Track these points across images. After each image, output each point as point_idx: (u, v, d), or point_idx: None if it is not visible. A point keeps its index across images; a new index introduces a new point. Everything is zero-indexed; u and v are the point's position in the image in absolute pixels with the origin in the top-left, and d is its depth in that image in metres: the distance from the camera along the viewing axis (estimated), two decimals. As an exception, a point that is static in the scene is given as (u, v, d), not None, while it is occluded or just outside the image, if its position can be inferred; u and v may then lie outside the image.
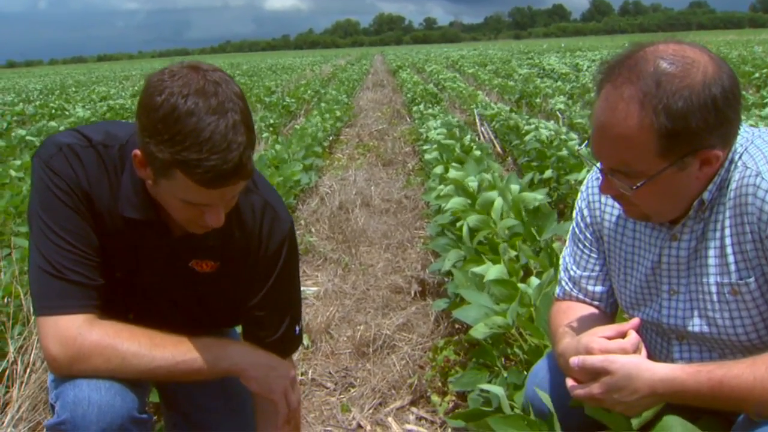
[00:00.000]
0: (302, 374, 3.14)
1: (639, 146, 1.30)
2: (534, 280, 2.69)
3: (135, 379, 1.57)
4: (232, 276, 1.75)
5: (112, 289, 1.65)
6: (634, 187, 1.35)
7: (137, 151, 1.46)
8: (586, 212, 1.67)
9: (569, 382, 1.43)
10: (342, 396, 3.00)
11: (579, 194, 1.72)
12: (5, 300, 2.96)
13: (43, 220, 1.56)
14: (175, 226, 1.65)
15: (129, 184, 1.59)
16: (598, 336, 1.41)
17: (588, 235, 1.68)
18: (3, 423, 2.53)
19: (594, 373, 1.37)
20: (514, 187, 3.60)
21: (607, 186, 1.42)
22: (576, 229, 1.71)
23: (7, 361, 2.72)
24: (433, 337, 3.42)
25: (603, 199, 1.62)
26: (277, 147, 7.39)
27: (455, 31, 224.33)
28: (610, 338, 1.41)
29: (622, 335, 1.42)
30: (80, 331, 1.52)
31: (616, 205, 1.56)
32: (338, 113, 11.41)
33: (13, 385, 2.65)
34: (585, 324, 1.59)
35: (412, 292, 4.00)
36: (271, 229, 1.72)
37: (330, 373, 3.18)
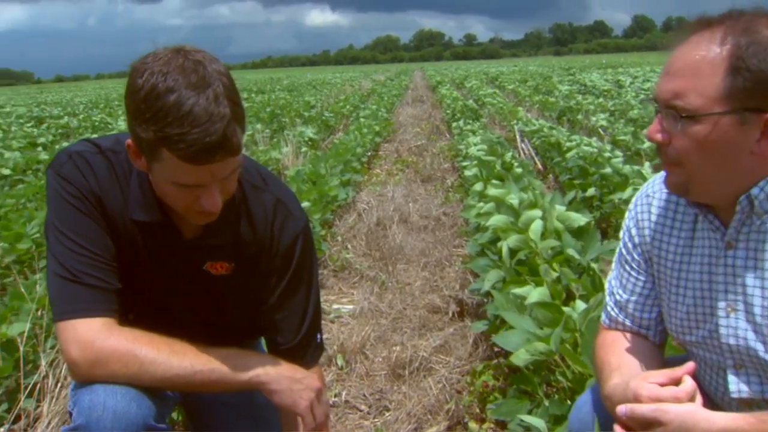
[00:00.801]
0: (335, 396, 3.06)
1: (704, 76, 1.21)
2: (579, 304, 2.57)
3: (153, 386, 1.54)
4: (247, 277, 1.71)
5: (130, 296, 1.62)
6: (683, 122, 1.24)
7: (129, 141, 1.45)
8: (634, 231, 1.55)
9: (617, 429, 1.31)
10: (376, 420, 2.91)
11: (627, 213, 1.60)
12: (39, 312, 2.94)
13: (58, 227, 1.55)
14: (187, 228, 1.63)
15: (137, 188, 1.58)
16: (648, 381, 1.29)
17: (635, 257, 1.56)
18: (34, 437, 2.51)
19: (644, 423, 1.25)
20: (559, 207, 3.49)
21: (655, 128, 1.30)
22: (623, 251, 1.59)
23: (39, 374, 2.70)
24: (471, 360, 3.31)
25: (652, 217, 1.51)
26: (315, 162, 7.35)
27: (495, 47, 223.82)
28: (662, 385, 1.28)
29: (675, 381, 1.29)
30: (98, 335, 1.50)
31: (667, 221, 1.46)
32: (377, 128, 11.36)
33: (44, 399, 2.62)
34: (633, 360, 1.48)
35: (450, 313, 3.90)
36: (283, 227, 1.69)
37: (364, 395, 3.09)
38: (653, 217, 1.50)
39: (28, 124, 17.19)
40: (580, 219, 3.35)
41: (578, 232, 3.23)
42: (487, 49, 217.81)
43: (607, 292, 1.66)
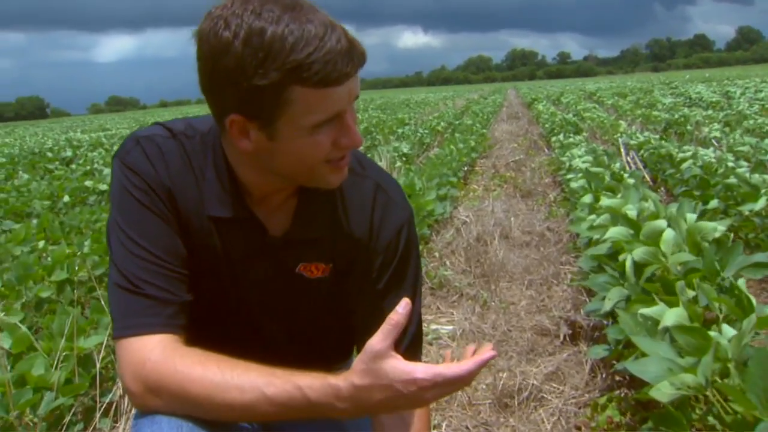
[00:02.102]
0: (435, 427, 2.72)
1: None
2: (726, 329, 2.16)
3: (221, 418, 1.23)
4: (345, 280, 1.43)
5: (203, 309, 1.35)
6: None
7: (234, 116, 1.18)
8: None
9: None
10: (482, 457, 2.56)
11: None
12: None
13: (120, 227, 1.29)
14: (274, 224, 1.35)
15: (214, 178, 1.32)
16: None
17: None
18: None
19: None
20: (689, 216, 3.05)
21: None
22: None
23: (116, 393, 2.52)
24: (588, 390, 2.92)
25: None
26: (410, 175, 7.07)
27: (589, 65, 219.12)
28: None
29: None
30: (151, 356, 1.22)
31: None
32: (473, 143, 11.02)
33: (119, 420, 2.43)
34: None
35: (561, 336, 3.50)
36: (384, 217, 1.40)
37: (467, 427, 2.75)
38: None
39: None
40: (715, 229, 2.92)
41: (714, 245, 2.79)
42: (582, 67, 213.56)
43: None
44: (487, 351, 1.20)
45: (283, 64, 1.10)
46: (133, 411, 1.42)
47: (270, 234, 1.37)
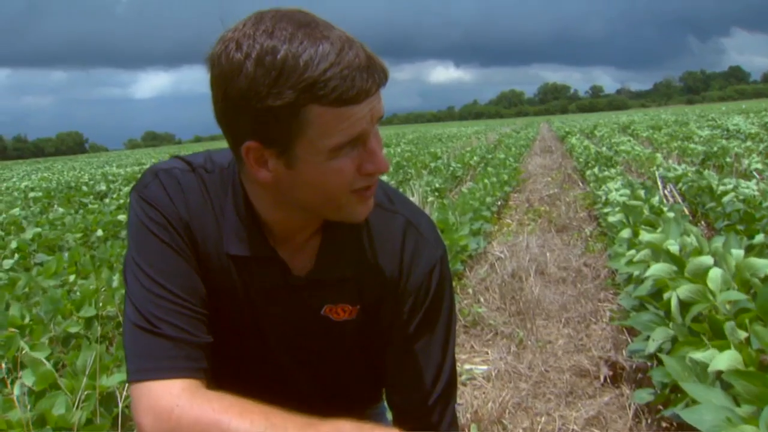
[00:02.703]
0: (471, 474, 2.59)
1: None
2: (785, 374, 2.01)
3: None
4: (373, 322, 1.33)
5: (223, 351, 1.25)
6: None
7: (250, 143, 1.10)
8: None
9: None
10: (521, 508, 2.42)
11: None
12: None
13: (137, 263, 1.21)
14: (297, 262, 1.26)
15: (233, 215, 1.24)
16: None
17: None
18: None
19: None
20: (737, 252, 2.91)
21: None
22: None
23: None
24: (633, 437, 2.76)
25: None
26: (443, 210, 6.98)
27: (623, 98, 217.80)
28: None
29: None
30: (178, 402, 1.12)
31: None
32: (506, 177, 10.90)
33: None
34: None
35: (602, 377, 3.35)
36: (415, 256, 1.30)
37: (505, 475, 2.61)
38: None
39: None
40: (766, 266, 2.76)
41: (764, 283, 2.65)
42: (614, 100, 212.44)
43: None
44: None
45: (297, 82, 1.03)
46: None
47: (293, 274, 1.28)
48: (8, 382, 2.99)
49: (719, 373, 2.18)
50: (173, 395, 1.14)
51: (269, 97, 1.03)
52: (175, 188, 1.25)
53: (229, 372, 1.29)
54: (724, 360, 2.17)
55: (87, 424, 2.36)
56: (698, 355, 2.28)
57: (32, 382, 2.59)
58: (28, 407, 2.37)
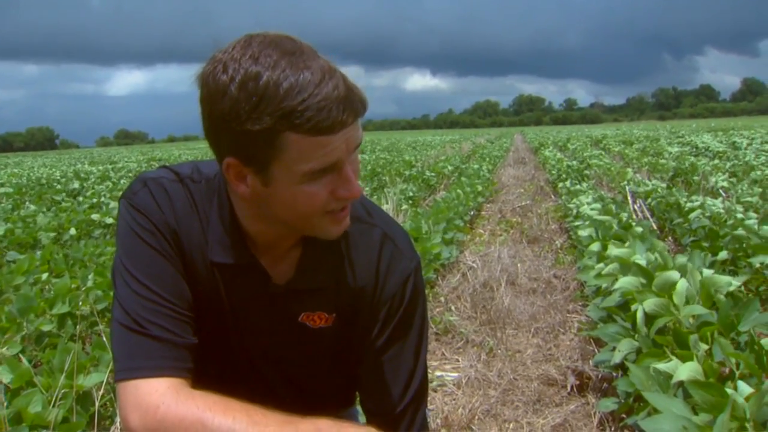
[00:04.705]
0: (440, 478, 2.66)
1: None
2: (742, 386, 2.10)
3: None
4: (348, 330, 1.40)
5: (206, 353, 1.31)
6: None
7: (230, 159, 1.16)
8: None
9: None
10: None
11: None
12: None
13: (126, 267, 1.26)
14: (277, 272, 1.32)
15: (218, 224, 1.30)
16: None
17: None
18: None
19: None
20: (707, 272, 3.01)
21: None
22: None
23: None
24: (597, 444, 2.85)
25: None
26: (417, 218, 7.05)
27: (596, 112, 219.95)
28: None
29: None
30: (164, 399, 1.18)
31: None
32: (479, 187, 11.01)
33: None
34: None
35: (569, 387, 3.44)
36: (390, 267, 1.37)
37: (472, 479, 2.68)
38: None
39: (136, 179, 17.76)
40: (729, 283, 2.87)
41: (729, 300, 2.75)
42: (588, 114, 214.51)
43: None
44: None
45: (275, 110, 1.08)
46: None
47: (273, 282, 1.34)
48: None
49: (680, 383, 2.27)
50: (159, 393, 1.19)
51: (249, 121, 1.09)
52: (163, 197, 1.30)
53: (212, 372, 1.34)
54: (685, 370, 2.26)
55: (63, 422, 2.38)
56: (662, 366, 2.37)
57: (9, 379, 2.61)
58: (5, 404, 2.39)
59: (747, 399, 1.97)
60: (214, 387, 1.24)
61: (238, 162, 1.16)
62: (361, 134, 1.18)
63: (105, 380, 2.59)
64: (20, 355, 3.10)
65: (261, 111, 1.08)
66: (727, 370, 2.48)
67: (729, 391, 2.01)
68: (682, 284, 2.78)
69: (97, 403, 2.50)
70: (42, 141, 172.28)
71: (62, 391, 2.51)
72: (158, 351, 1.23)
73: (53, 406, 2.43)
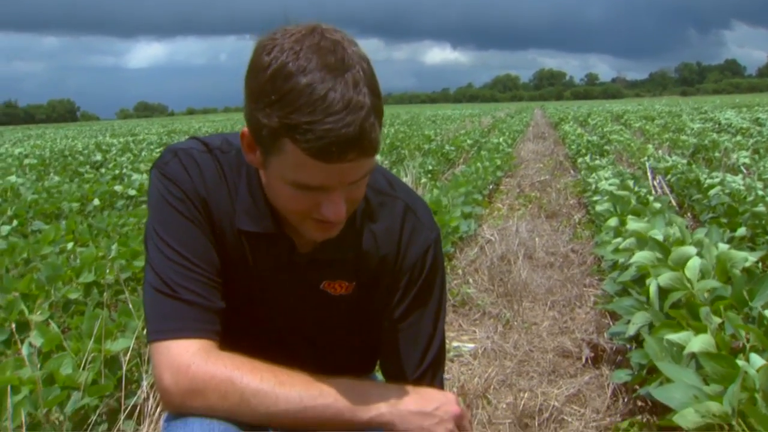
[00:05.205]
0: (455, 445, 2.72)
1: None
2: (754, 358, 2.14)
3: (255, 422, 1.28)
4: (369, 297, 1.46)
5: (233, 318, 1.38)
6: None
7: (245, 129, 1.22)
8: None
9: None
10: (501, 477, 2.56)
11: None
12: (144, 331, 2.79)
13: (158, 234, 1.33)
14: (302, 241, 1.37)
15: (246, 194, 1.35)
16: None
17: None
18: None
19: None
20: (722, 246, 3.04)
21: None
22: None
23: (140, 396, 2.55)
24: (609, 414, 2.91)
25: None
26: (435, 192, 7.09)
27: (617, 87, 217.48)
28: None
29: None
30: (195, 359, 1.26)
31: None
32: (499, 162, 11.01)
33: (143, 422, 2.46)
34: None
35: (584, 358, 3.49)
36: (412, 238, 1.42)
37: (487, 446, 2.75)
38: None
39: (157, 150, 17.90)
40: (746, 258, 2.90)
41: (744, 275, 2.78)
42: (609, 89, 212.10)
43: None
44: None
45: (285, 116, 1.11)
46: (163, 414, 1.45)
47: (298, 251, 1.40)
48: (12, 344, 3.10)
49: (693, 355, 2.32)
50: (190, 353, 1.26)
51: (262, 110, 1.13)
52: (194, 166, 1.36)
53: (239, 336, 1.40)
54: (698, 342, 2.30)
55: (93, 384, 2.48)
56: (675, 337, 2.41)
57: (40, 343, 2.71)
58: (38, 366, 2.48)
59: (758, 371, 2.02)
60: (240, 350, 1.31)
61: (250, 136, 1.21)
62: (370, 163, 1.19)
63: (131, 346, 2.68)
64: (50, 321, 3.19)
65: (274, 109, 1.12)
66: (740, 344, 2.52)
67: (740, 362, 2.05)
68: (695, 260, 2.81)
69: (124, 367, 2.59)
70: (63, 113, 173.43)
71: (91, 354, 2.60)
72: (189, 314, 1.30)
73: (83, 369, 2.52)
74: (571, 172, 11.38)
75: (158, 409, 2.44)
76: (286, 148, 1.14)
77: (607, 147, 13.73)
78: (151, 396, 2.51)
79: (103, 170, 12.86)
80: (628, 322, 2.94)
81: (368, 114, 1.11)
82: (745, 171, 9.14)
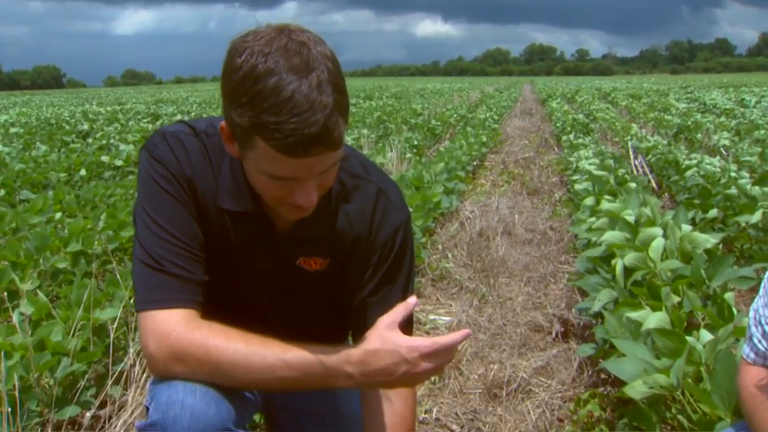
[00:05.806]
0: (426, 412, 2.87)
1: None
2: (704, 334, 2.30)
3: (234, 384, 1.42)
4: (342, 273, 1.58)
5: (214, 290, 1.51)
6: None
7: (223, 123, 1.33)
8: None
9: None
10: (469, 442, 2.71)
11: None
12: (132, 300, 2.91)
13: (146, 211, 1.45)
14: (280, 220, 1.50)
15: (228, 175, 1.47)
16: None
17: None
18: (116, 426, 2.47)
19: None
20: (685, 227, 3.18)
21: None
22: None
23: (127, 362, 2.67)
24: (574, 386, 3.06)
25: None
26: (419, 167, 7.20)
27: (608, 64, 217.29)
28: None
29: None
30: (176, 327, 1.39)
31: None
32: (484, 138, 11.12)
33: (129, 388, 2.59)
34: None
35: (554, 333, 3.64)
36: (383, 219, 1.55)
37: (457, 414, 2.89)
38: None
39: (145, 120, 17.85)
40: (707, 240, 3.05)
41: (706, 256, 2.93)
42: (600, 65, 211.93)
43: (751, 322, 1.42)
44: (464, 330, 1.43)
45: (254, 116, 1.22)
46: (150, 379, 1.58)
47: (276, 229, 1.52)
48: (3, 311, 3.22)
49: (649, 331, 2.47)
50: (173, 322, 1.40)
51: (234, 110, 1.25)
52: (180, 149, 1.48)
53: (220, 306, 1.54)
54: (654, 319, 2.45)
55: (82, 351, 2.60)
56: (633, 315, 2.56)
57: (30, 311, 2.82)
58: (29, 333, 2.60)
59: (704, 346, 2.17)
60: (221, 320, 1.45)
61: (227, 128, 1.33)
62: (335, 156, 1.30)
63: (119, 314, 2.80)
64: (37, 290, 3.30)
65: (245, 110, 1.23)
66: (698, 321, 2.67)
67: (689, 338, 2.20)
68: (659, 240, 2.95)
69: (111, 335, 2.70)
70: (49, 79, 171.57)
71: (80, 323, 2.72)
72: (173, 286, 1.43)
73: (72, 336, 2.64)
74: (556, 149, 11.51)
75: (144, 375, 2.56)
76: (258, 144, 1.25)
77: (592, 125, 13.85)
78: (137, 362, 2.62)
79: (90, 140, 12.86)
80: (595, 298, 3.09)
81: (332, 113, 1.22)
82: (724, 152, 9.29)
